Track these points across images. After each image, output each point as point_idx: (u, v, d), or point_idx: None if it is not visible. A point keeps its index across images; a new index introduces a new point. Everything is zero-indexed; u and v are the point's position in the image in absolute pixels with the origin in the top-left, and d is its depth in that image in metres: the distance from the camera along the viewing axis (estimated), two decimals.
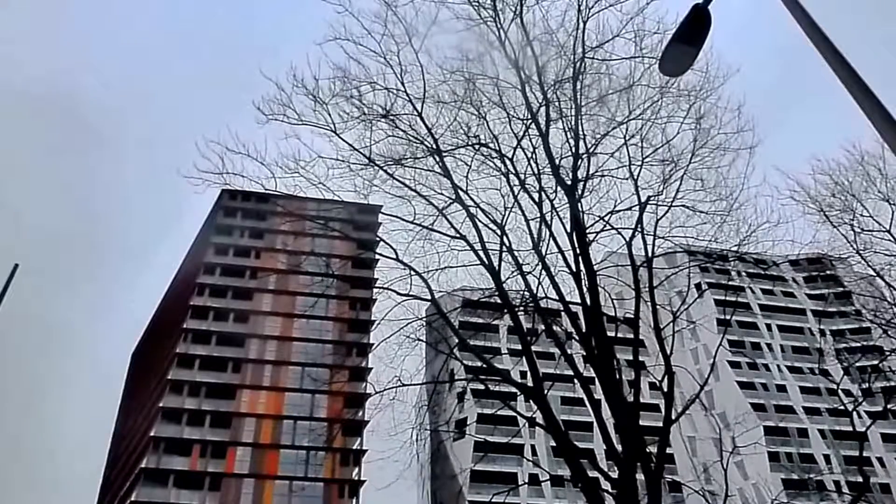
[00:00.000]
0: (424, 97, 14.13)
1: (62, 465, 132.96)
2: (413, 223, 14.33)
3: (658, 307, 13.56)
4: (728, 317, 42.06)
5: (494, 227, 13.91)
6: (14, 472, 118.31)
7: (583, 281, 13.08)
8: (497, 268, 13.63)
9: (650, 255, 13.61)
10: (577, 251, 13.28)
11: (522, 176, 14.09)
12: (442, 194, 14.32)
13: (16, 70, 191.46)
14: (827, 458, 72.73)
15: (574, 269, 13.25)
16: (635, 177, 13.99)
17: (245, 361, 76.03)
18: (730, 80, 13.81)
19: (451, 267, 14.25)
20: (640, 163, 14.15)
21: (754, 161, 14.26)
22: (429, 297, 13.92)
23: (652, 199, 13.97)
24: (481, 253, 13.70)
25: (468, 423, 60.76)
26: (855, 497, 16.30)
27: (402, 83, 14.01)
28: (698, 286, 20.29)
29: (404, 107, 14.28)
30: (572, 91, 13.79)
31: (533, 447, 61.29)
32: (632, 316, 13.29)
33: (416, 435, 14.08)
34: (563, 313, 13.68)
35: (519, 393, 14.14)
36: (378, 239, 15.78)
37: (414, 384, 14.07)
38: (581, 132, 13.85)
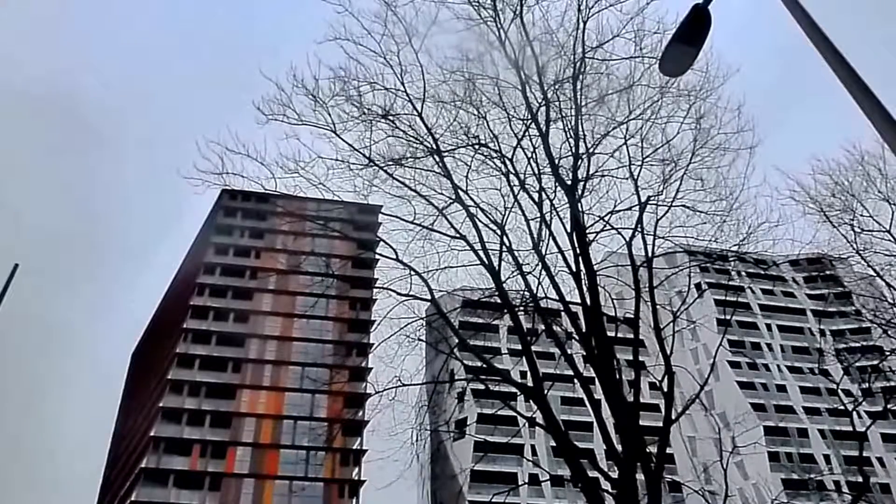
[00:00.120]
0: (424, 97, 14.15)
1: (62, 465, 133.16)
2: (413, 223, 14.35)
3: (658, 307, 13.56)
4: (728, 317, 42.06)
5: (494, 227, 13.91)
6: (14, 472, 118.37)
7: (583, 281, 13.08)
8: (497, 268, 13.63)
9: (650, 255, 13.60)
10: (577, 251, 13.28)
11: (522, 176, 14.09)
12: (442, 194, 14.34)
13: (16, 70, 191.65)
14: (827, 458, 72.74)
15: (574, 269, 13.24)
16: (635, 177, 14.00)
17: (245, 361, 76.04)
18: (730, 81, 13.84)
19: (451, 267, 14.27)
20: (640, 163, 14.16)
21: (754, 161, 14.28)
22: (429, 297, 13.91)
23: (652, 199, 13.97)
24: (481, 253, 13.70)
25: (468, 423, 60.79)
26: (855, 497, 16.27)
27: (402, 83, 14.02)
28: (698, 286, 20.26)
29: (404, 107, 14.30)
30: (572, 91, 13.79)
31: (533, 447, 61.31)
32: (632, 316, 13.28)
33: (416, 435, 14.09)
34: (563, 313, 13.67)
35: (519, 393, 14.13)
36: (378, 239, 15.78)
37: (414, 384, 14.08)
38: (581, 132, 13.85)
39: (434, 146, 14.12)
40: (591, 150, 14.04)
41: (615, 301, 13.91)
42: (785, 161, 17.89)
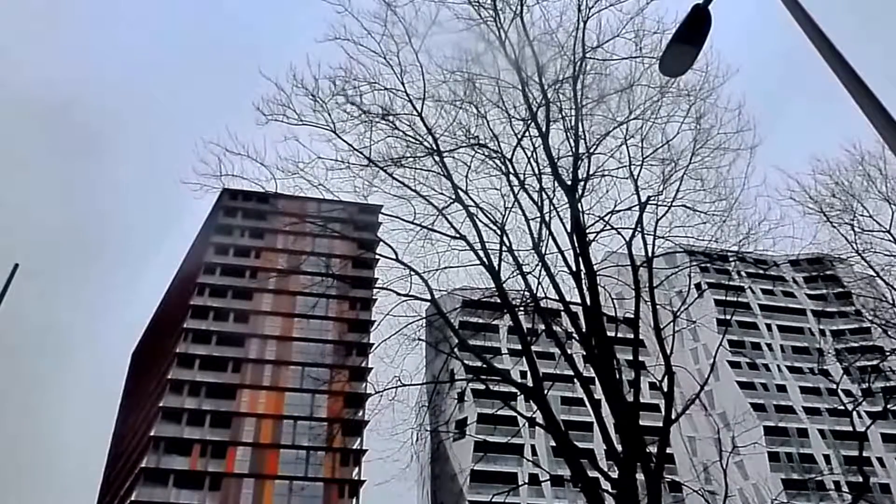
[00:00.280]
0: (424, 97, 14.15)
1: (62, 465, 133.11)
2: (413, 223, 14.36)
3: (658, 307, 13.57)
4: (728, 317, 41.84)
5: (494, 227, 13.93)
6: (14, 472, 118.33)
7: (583, 281, 13.09)
8: (497, 268, 13.63)
9: (650, 255, 13.61)
10: (577, 251, 13.28)
11: (522, 176, 14.10)
12: (442, 194, 14.35)
13: (16, 71, 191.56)
14: (827, 458, 72.72)
15: (574, 269, 13.25)
16: (635, 177, 14.01)
17: (245, 361, 76.05)
18: (730, 81, 13.84)
19: (451, 267, 14.28)
20: (640, 163, 14.17)
21: (754, 161, 14.28)
22: (429, 297, 13.93)
23: (652, 199, 13.98)
24: (481, 253, 13.72)
25: (468, 423, 60.70)
26: (855, 497, 16.31)
27: (402, 83, 14.03)
28: (698, 286, 20.26)
29: (404, 107, 14.31)
30: (572, 91, 13.80)
31: (533, 447, 61.27)
32: (632, 316, 13.28)
33: (416, 435, 14.10)
34: (563, 313, 13.68)
35: (519, 393, 14.15)
36: (378, 239, 15.79)
37: (414, 384, 14.10)
38: (581, 132, 13.85)
39: (434, 146, 14.12)
40: (591, 150, 14.06)
41: (615, 301, 13.91)
42: (785, 161, 17.92)
